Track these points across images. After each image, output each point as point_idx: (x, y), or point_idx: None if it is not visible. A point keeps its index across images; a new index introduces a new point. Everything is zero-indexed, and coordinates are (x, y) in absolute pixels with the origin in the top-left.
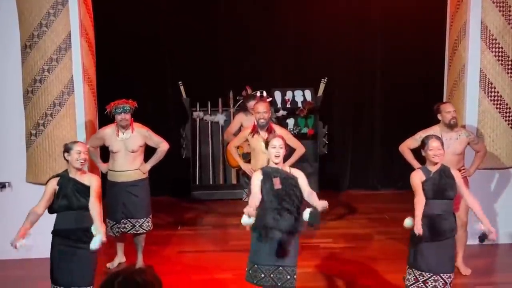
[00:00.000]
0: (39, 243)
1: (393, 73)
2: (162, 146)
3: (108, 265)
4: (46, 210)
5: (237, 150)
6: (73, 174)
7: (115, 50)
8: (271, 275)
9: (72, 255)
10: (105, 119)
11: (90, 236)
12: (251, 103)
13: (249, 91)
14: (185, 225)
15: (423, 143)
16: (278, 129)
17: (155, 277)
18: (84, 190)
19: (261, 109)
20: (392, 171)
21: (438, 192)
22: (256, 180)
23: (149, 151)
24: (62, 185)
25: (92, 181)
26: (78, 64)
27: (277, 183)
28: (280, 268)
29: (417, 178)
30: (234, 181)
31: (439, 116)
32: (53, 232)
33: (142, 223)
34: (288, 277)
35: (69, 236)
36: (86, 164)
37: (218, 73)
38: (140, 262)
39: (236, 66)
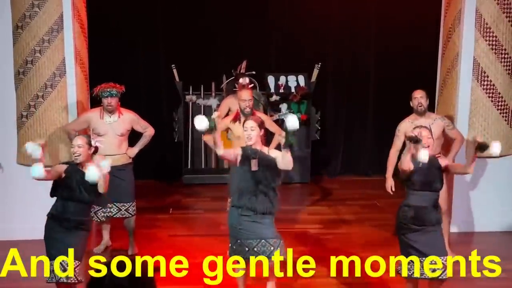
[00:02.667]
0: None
1: (386, 60)
2: (149, 130)
3: (94, 249)
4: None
5: (212, 139)
6: (80, 167)
7: (107, 32)
8: (255, 249)
9: (65, 236)
10: (96, 101)
11: (86, 227)
12: (242, 81)
13: (244, 68)
14: (177, 209)
15: (415, 138)
16: (260, 116)
17: (146, 267)
18: (90, 186)
19: (246, 96)
20: (384, 157)
21: (426, 184)
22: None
23: (132, 137)
24: (69, 175)
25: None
26: (70, 45)
27: (254, 165)
28: (263, 241)
29: (406, 161)
30: (226, 165)
31: (411, 103)
32: (49, 215)
33: (128, 207)
34: (272, 248)
35: (62, 224)
36: (82, 156)
37: (211, 56)
38: (132, 248)
39: (230, 50)
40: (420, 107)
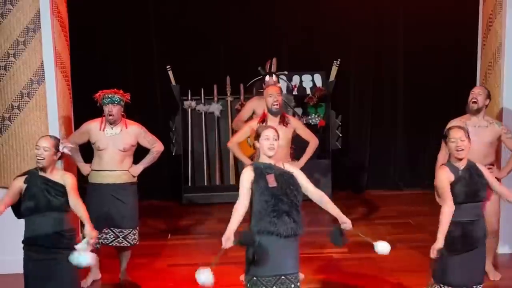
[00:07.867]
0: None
1: (417, 54)
2: (157, 146)
3: (81, 283)
4: (14, 215)
5: (239, 148)
6: (43, 172)
7: (92, 31)
8: (273, 287)
9: (49, 268)
10: (81, 111)
11: (69, 242)
12: (269, 80)
13: (274, 66)
14: (177, 234)
15: (445, 135)
16: (292, 120)
17: None
18: (57, 188)
19: (273, 91)
20: (418, 168)
21: (470, 194)
22: (246, 180)
23: (139, 154)
24: (30, 184)
25: (66, 179)
26: (49, 47)
27: (271, 181)
28: (283, 277)
29: (444, 178)
30: (232, 182)
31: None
32: (23, 242)
33: (127, 234)
34: (292, 285)
35: (42, 244)
36: (46, 161)
37: (213, 55)
38: (124, 275)
39: (233, 47)
40: (474, 103)
